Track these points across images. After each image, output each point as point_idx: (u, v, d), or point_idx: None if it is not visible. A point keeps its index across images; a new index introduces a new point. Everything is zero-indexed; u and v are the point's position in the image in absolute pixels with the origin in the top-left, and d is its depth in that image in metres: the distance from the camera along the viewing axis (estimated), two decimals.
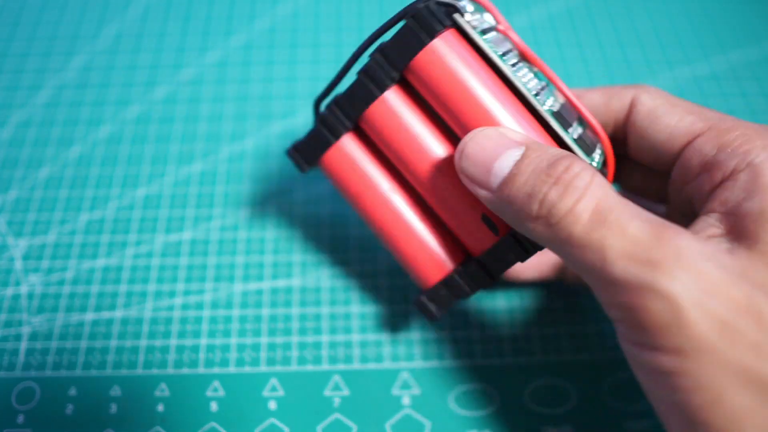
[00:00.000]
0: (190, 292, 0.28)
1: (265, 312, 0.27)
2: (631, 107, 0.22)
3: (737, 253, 0.17)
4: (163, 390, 0.25)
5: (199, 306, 0.27)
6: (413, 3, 0.19)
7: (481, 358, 0.26)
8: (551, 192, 0.18)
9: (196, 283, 0.28)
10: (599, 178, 0.18)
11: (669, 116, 0.21)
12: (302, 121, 0.33)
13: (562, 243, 0.18)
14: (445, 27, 0.19)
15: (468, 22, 0.19)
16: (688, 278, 0.16)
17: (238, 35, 0.36)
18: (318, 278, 0.28)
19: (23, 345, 0.26)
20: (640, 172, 0.24)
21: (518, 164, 0.19)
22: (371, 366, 0.26)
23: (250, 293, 0.28)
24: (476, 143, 0.19)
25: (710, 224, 0.18)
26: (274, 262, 0.28)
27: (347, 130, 0.22)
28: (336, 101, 0.21)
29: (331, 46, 0.36)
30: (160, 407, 0.25)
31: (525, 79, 0.20)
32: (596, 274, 0.17)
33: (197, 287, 0.28)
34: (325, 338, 0.26)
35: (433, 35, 0.19)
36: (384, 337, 0.26)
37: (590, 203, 0.17)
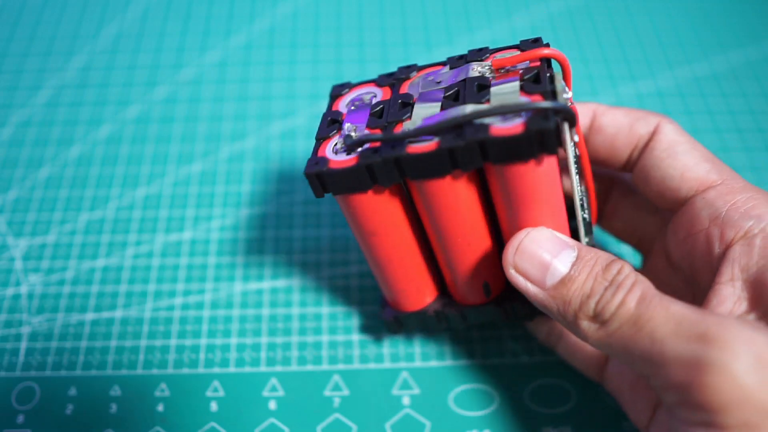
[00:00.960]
0: (190, 292, 0.28)
1: (265, 312, 0.27)
2: (654, 134, 0.22)
3: None
4: (163, 390, 0.25)
5: (199, 306, 0.27)
6: (535, 110, 0.17)
7: (481, 358, 0.26)
8: (607, 293, 0.18)
9: (196, 283, 0.28)
10: (642, 276, 0.19)
11: (687, 156, 0.21)
12: (302, 121, 0.33)
13: (614, 339, 0.18)
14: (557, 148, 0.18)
15: (572, 139, 0.19)
16: (741, 349, 0.15)
17: (238, 35, 0.36)
18: (318, 278, 0.28)
19: (23, 345, 0.26)
20: (627, 213, 0.25)
21: (575, 266, 0.19)
22: (371, 366, 0.26)
23: (250, 293, 0.28)
24: (533, 241, 0.20)
25: (737, 294, 0.19)
26: (274, 262, 0.28)
27: (392, 185, 0.20)
28: (398, 159, 0.19)
29: (330, 46, 0.36)
30: (160, 407, 0.25)
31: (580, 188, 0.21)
32: (648, 357, 0.17)
33: (197, 287, 0.28)
34: (325, 338, 0.26)
35: (545, 153, 0.18)
36: (384, 336, 0.26)
37: (636, 294, 0.18)
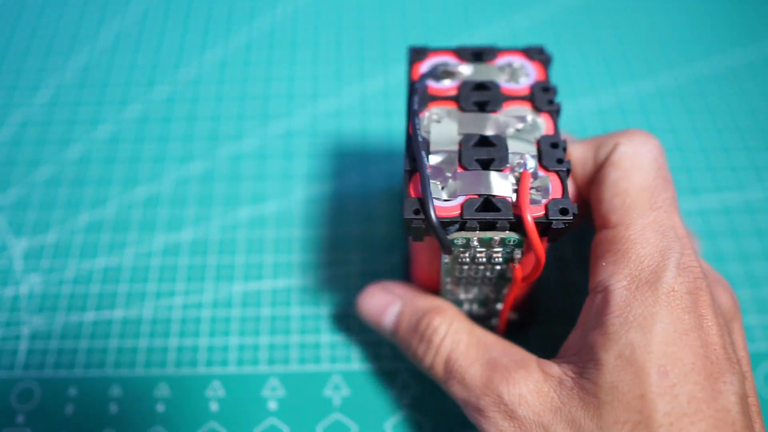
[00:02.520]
0: (190, 292, 0.28)
1: (265, 312, 0.27)
2: (609, 155, 0.22)
3: (564, 385, 0.19)
4: (163, 390, 0.25)
5: (199, 306, 0.27)
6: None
7: None
8: (419, 348, 0.22)
9: (196, 283, 0.28)
10: (454, 327, 0.22)
11: (611, 188, 0.21)
12: (302, 121, 0.33)
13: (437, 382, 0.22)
14: None
15: None
16: (502, 422, 0.20)
17: (238, 35, 0.36)
18: (318, 278, 0.28)
19: (23, 345, 0.26)
20: None
21: (396, 321, 0.23)
22: (371, 366, 0.26)
23: (250, 293, 0.28)
24: (363, 303, 0.24)
25: (575, 343, 0.20)
26: (274, 262, 0.28)
27: None
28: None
29: (330, 46, 0.36)
30: (160, 407, 0.25)
31: None
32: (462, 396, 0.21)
33: (197, 287, 0.28)
34: (325, 338, 0.26)
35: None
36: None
37: (441, 359, 0.21)
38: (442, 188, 0.19)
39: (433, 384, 0.25)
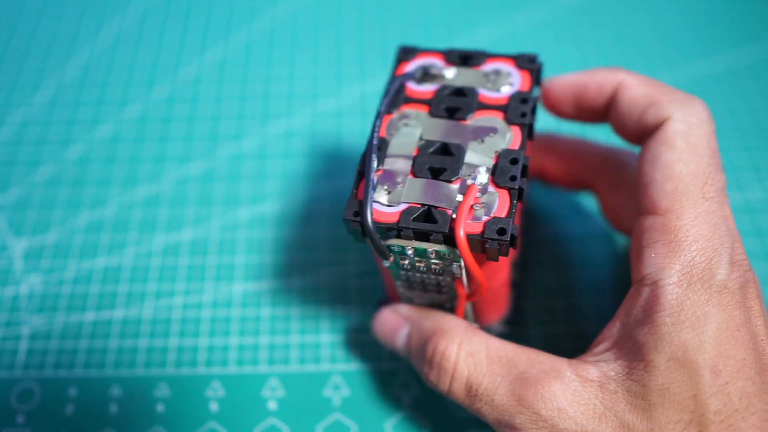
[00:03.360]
0: (190, 292, 0.28)
1: (265, 312, 0.27)
2: (658, 130, 0.21)
3: (606, 387, 0.18)
4: (163, 390, 0.25)
5: (199, 306, 0.27)
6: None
7: None
8: (430, 375, 0.21)
9: (196, 283, 0.28)
10: (465, 348, 0.20)
11: (662, 170, 0.20)
12: (302, 121, 0.33)
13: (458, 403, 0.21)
14: None
15: None
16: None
17: (238, 35, 0.36)
18: (318, 278, 0.28)
19: (23, 345, 0.26)
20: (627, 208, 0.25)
21: (407, 346, 0.22)
22: (371, 366, 0.26)
23: (250, 293, 0.28)
24: (377, 327, 0.24)
25: (608, 340, 0.20)
26: (274, 263, 0.28)
27: None
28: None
29: (330, 46, 0.36)
30: (160, 407, 0.25)
31: None
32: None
33: (197, 287, 0.28)
34: (325, 338, 0.26)
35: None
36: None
37: (460, 384, 0.20)
38: (388, 193, 0.19)
39: None
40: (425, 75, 0.21)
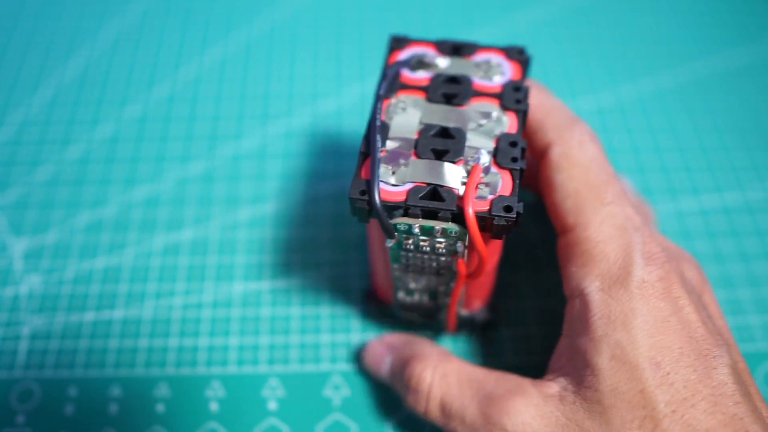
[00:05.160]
0: (190, 292, 0.28)
1: (265, 312, 0.27)
2: (544, 154, 0.22)
3: (566, 400, 0.19)
4: (163, 390, 0.25)
5: (199, 306, 0.27)
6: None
7: (480, 358, 0.26)
8: (409, 398, 0.22)
9: (196, 283, 0.28)
10: (439, 371, 0.22)
11: (559, 190, 0.21)
12: (302, 120, 0.33)
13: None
14: None
15: None
16: None
17: (238, 35, 0.36)
18: (318, 278, 0.28)
19: (23, 345, 0.26)
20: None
21: (390, 372, 0.24)
22: None
23: (250, 293, 0.28)
24: (365, 358, 0.25)
25: (561, 357, 0.20)
26: (274, 262, 0.28)
27: None
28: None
29: (330, 45, 0.36)
30: (160, 407, 0.25)
31: None
32: None
33: (197, 287, 0.28)
34: (325, 338, 0.26)
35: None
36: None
37: (435, 404, 0.21)
38: (393, 173, 0.19)
39: None
40: (419, 63, 0.22)
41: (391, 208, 0.18)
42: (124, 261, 0.28)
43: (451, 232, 0.18)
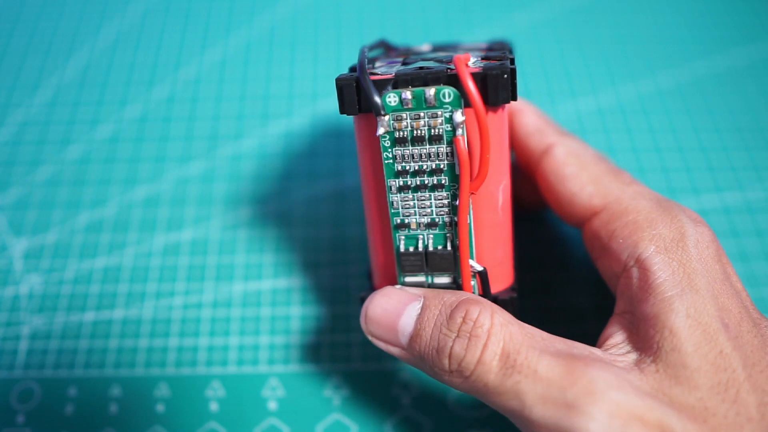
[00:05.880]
0: (190, 292, 0.28)
1: (265, 312, 0.27)
2: (545, 155, 0.22)
3: (646, 370, 0.17)
4: (163, 390, 0.25)
5: (199, 306, 0.27)
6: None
7: None
8: (456, 346, 0.18)
9: (196, 283, 0.28)
10: (499, 317, 0.18)
11: (573, 181, 0.21)
12: (302, 121, 0.33)
13: (481, 393, 0.18)
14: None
15: None
16: (603, 416, 0.16)
17: (238, 35, 0.36)
18: (318, 278, 0.28)
19: (23, 345, 0.26)
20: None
21: (420, 319, 0.19)
22: (371, 366, 0.26)
23: (250, 293, 0.28)
24: (376, 305, 0.20)
25: (617, 334, 0.19)
26: (273, 262, 0.28)
27: None
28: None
29: (330, 45, 0.36)
30: (160, 407, 0.25)
31: None
32: (518, 418, 0.18)
33: (197, 287, 0.28)
34: (325, 338, 0.26)
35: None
36: None
37: (496, 349, 0.17)
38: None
39: (433, 384, 0.25)
40: (396, 54, 0.22)
41: (380, 85, 0.18)
42: (124, 261, 0.28)
43: (443, 96, 0.17)
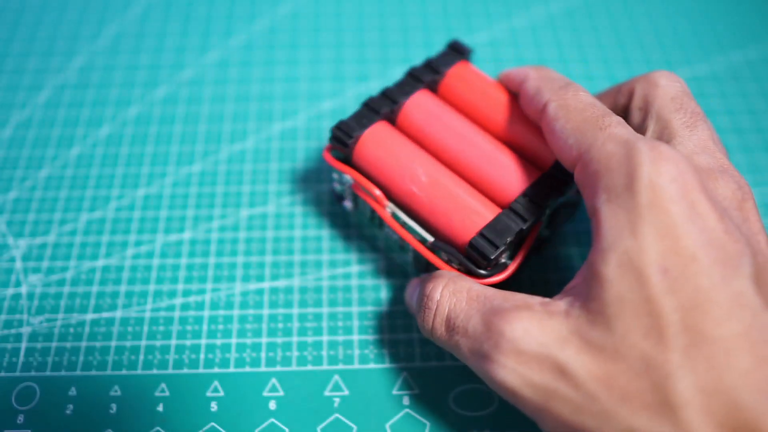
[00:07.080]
0: (190, 292, 0.28)
1: (265, 312, 0.27)
2: (541, 113, 0.23)
3: (571, 314, 0.19)
4: (163, 390, 0.25)
5: (199, 306, 0.27)
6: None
7: None
8: (418, 317, 0.23)
9: (196, 283, 0.28)
10: (450, 289, 0.22)
11: (560, 134, 0.21)
12: (302, 121, 0.33)
13: (450, 351, 0.22)
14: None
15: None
16: (510, 362, 0.19)
17: (238, 35, 0.36)
18: (318, 278, 0.28)
19: (23, 345, 0.26)
20: None
21: (411, 299, 0.24)
22: (371, 366, 0.26)
23: (250, 293, 0.28)
24: (406, 293, 0.25)
25: (573, 282, 0.20)
26: (274, 262, 0.28)
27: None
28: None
29: (331, 46, 0.36)
30: (160, 407, 0.25)
31: None
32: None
33: (197, 287, 0.28)
34: (325, 338, 0.26)
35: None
36: (384, 337, 0.26)
37: (441, 318, 0.21)
38: None
39: (433, 384, 0.25)
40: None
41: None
42: (124, 261, 0.28)
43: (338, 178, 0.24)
